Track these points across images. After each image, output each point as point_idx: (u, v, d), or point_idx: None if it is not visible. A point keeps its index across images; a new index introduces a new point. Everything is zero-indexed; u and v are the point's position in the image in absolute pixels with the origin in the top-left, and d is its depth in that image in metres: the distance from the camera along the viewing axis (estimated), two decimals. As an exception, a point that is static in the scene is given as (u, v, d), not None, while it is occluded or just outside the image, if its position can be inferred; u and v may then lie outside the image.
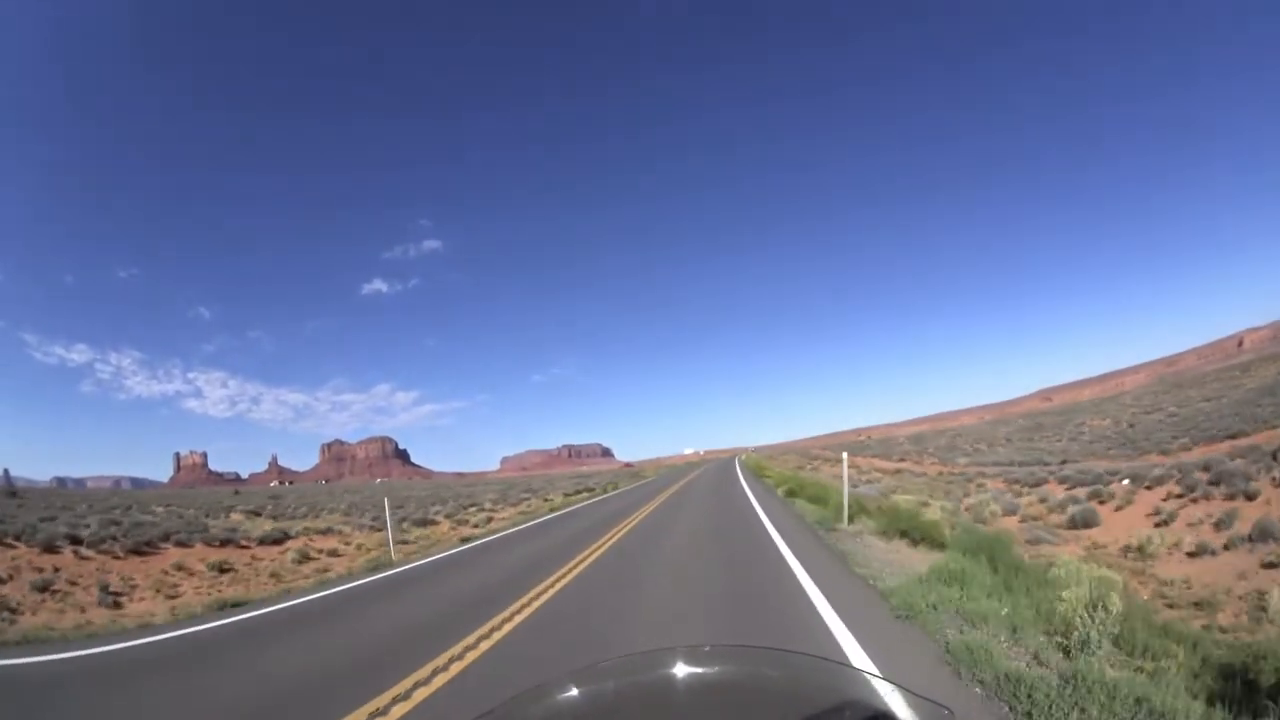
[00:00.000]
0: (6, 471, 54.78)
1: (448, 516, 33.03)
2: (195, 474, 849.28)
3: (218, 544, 22.29)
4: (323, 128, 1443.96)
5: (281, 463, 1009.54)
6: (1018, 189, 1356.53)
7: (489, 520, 29.15)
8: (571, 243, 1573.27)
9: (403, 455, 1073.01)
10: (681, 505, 25.04)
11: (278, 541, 23.82)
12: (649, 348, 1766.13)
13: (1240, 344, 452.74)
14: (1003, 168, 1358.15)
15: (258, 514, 40.04)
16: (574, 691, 1.86)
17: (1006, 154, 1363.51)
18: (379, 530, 26.90)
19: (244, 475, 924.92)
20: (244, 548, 22.70)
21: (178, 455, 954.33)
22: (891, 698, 1.70)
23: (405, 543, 20.86)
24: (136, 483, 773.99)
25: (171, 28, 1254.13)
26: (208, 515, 35.06)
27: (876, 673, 2.02)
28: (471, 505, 41.69)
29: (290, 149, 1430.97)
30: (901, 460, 67.02)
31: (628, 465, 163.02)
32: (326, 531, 27.53)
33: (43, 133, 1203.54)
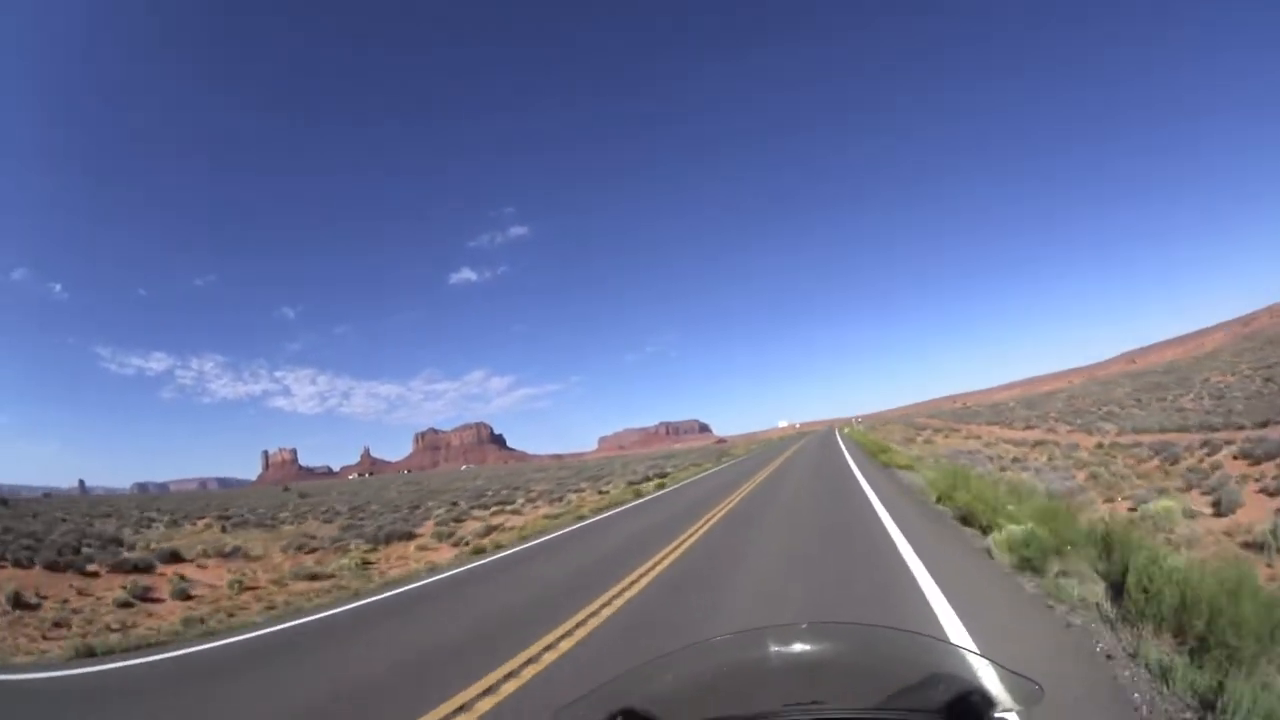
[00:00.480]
0: (82, 482, 54.39)
1: (438, 526, 26.48)
2: (285, 470, 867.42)
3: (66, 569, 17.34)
4: (403, 122, 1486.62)
5: (374, 454, 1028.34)
6: (1096, 147, 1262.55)
7: (469, 542, 19.87)
8: (658, 221, 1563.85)
9: (498, 440, 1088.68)
10: (765, 512, 16.96)
11: (138, 569, 17.94)
12: (742, 321, 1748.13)
13: None
14: (1082, 125, 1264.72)
15: (228, 519, 37.36)
16: (670, 673, 1.96)
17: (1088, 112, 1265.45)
18: (348, 542, 21.78)
19: (335, 469, 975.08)
20: (90, 575, 17.46)
21: (266, 453, 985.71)
22: (984, 672, 1.73)
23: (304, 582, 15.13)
24: (224, 483, 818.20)
25: (247, 33, 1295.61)
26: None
27: (969, 647, 2.05)
28: (503, 505, 35.64)
29: (371, 146, 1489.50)
30: (1029, 428, 57.04)
31: (720, 442, 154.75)
32: (232, 554, 21.70)
33: (112, 146, 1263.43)
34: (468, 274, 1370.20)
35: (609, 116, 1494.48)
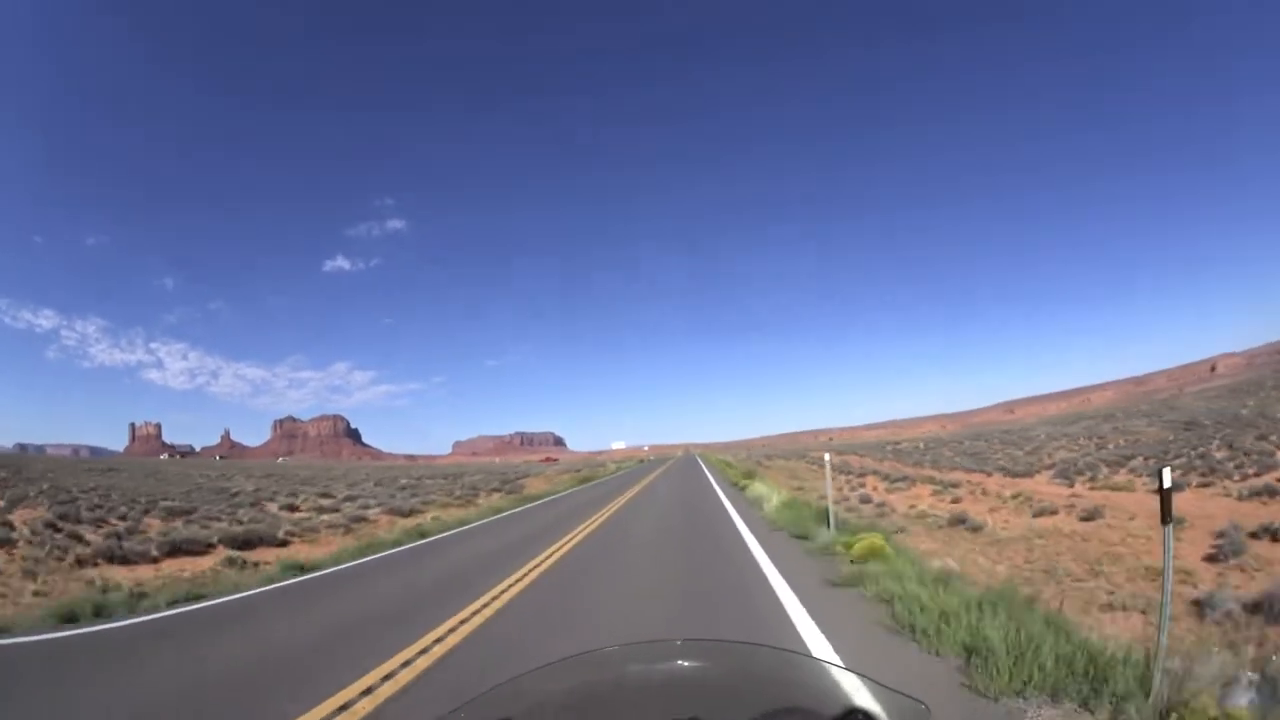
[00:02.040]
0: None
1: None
2: (149, 445, 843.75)
3: None
4: (292, 103, 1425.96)
5: (234, 437, 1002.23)
6: (993, 200, 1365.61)
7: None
8: (531, 232, 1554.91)
9: (354, 435, 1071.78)
10: None
11: None
12: (606, 340, 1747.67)
13: (1214, 369, 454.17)
14: (981, 178, 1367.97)
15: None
16: (544, 687, 1.91)
17: (987, 165, 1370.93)
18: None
19: (197, 448, 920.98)
20: None
21: (133, 425, 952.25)
22: (867, 692, 1.73)
23: None
24: (95, 452, 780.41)
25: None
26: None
27: (853, 669, 1.95)
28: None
29: (259, 122, 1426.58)
30: (948, 475, 41.54)
31: (549, 460, 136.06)
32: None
33: (16, 96, 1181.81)
34: (342, 262, 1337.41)
35: (496, 120, 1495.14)
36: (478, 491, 36.84)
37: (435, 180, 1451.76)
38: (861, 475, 43.37)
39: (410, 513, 26.38)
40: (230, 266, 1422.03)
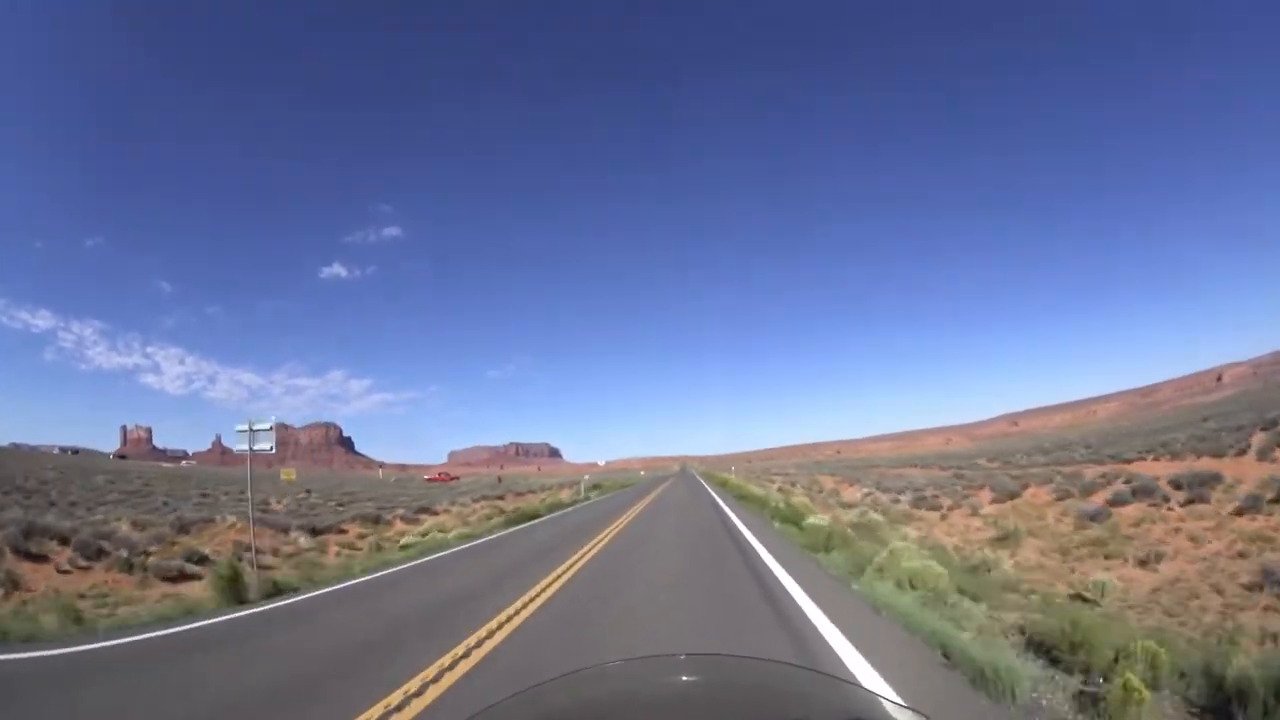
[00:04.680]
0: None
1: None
2: (139, 448, 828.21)
3: None
4: (289, 107, 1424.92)
5: (225, 443, 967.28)
6: (999, 209, 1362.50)
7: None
8: (534, 239, 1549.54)
9: (346, 443, 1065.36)
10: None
11: None
12: (605, 351, 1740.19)
13: (1219, 379, 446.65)
14: (985, 186, 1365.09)
15: None
16: (546, 702, 1.90)
17: (990, 171, 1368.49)
18: None
19: (190, 452, 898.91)
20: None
21: (124, 428, 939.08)
22: (870, 706, 1.73)
23: None
24: (87, 454, 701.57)
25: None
26: None
27: (855, 680, 2.13)
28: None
29: (256, 126, 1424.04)
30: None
31: (442, 478, 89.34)
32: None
33: (16, 97, 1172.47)
34: (338, 269, 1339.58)
35: (496, 126, 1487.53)
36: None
37: (432, 187, 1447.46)
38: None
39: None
40: (227, 272, 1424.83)
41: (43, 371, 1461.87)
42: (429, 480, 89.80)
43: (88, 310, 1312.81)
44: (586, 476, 70.43)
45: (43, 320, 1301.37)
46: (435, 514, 30.82)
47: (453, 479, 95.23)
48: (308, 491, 42.48)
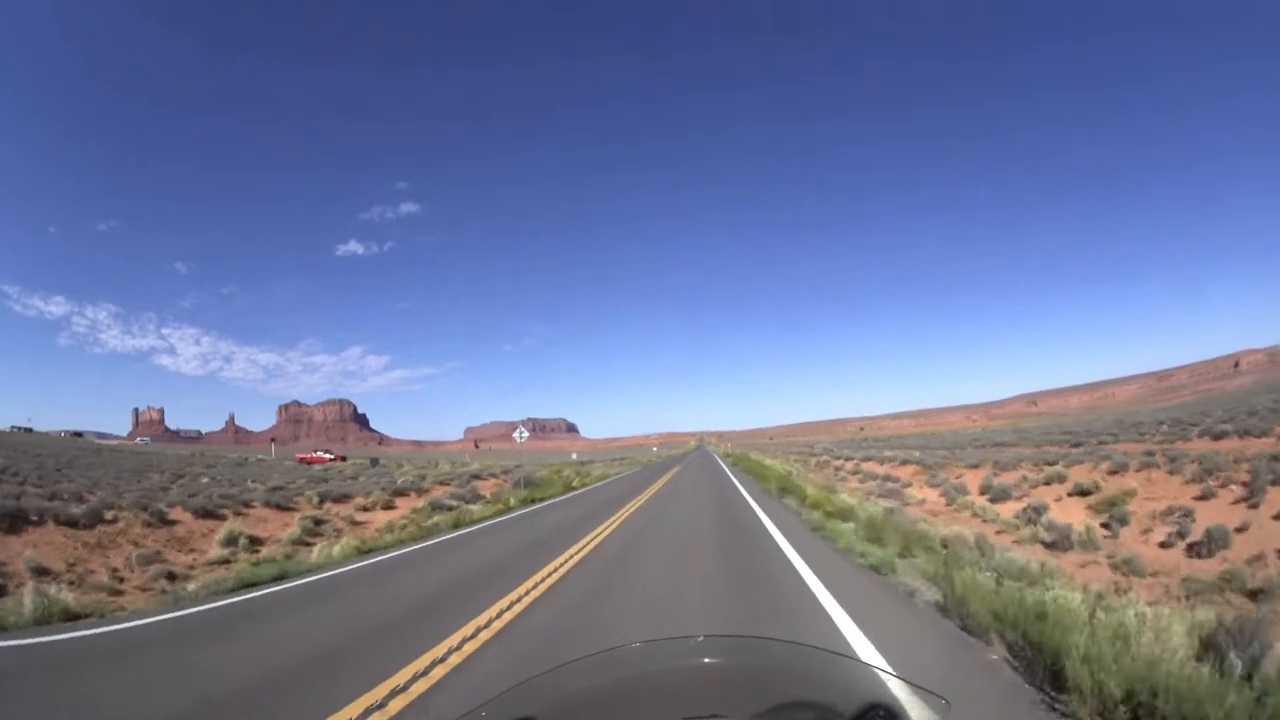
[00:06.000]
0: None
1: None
2: (152, 430, 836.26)
3: None
4: (306, 85, 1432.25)
5: (238, 422, 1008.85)
6: (1021, 190, 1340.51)
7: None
8: (552, 214, 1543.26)
9: (361, 420, 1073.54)
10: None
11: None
12: (624, 326, 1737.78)
13: (1237, 365, 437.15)
14: (1005, 166, 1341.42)
15: None
16: (564, 685, 1.89)
17: (1009, 150, 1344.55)
18: None
19: (203, 432, 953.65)
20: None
21: (136, 410, 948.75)
22: (887, 687, 1.76)
23: None
24: (101, 437, 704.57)
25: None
26: None
27: (872, 662, 1.95)
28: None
29: (271, 104, 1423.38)
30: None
31: (316, 459, 70.41)
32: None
33: (30, 81, 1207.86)
34: (355, 246, 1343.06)
35: (511, 102, 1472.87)
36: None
37: (449, 163, 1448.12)
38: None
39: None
40: (244, 251, 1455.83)
41: (57, 358, 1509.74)
42: (301, 460, 69.14)
43: (102, 294, 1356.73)
44: (519, 468, 40.91)
45: (56, 307, 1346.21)
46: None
47: (337, 459, 72.10)
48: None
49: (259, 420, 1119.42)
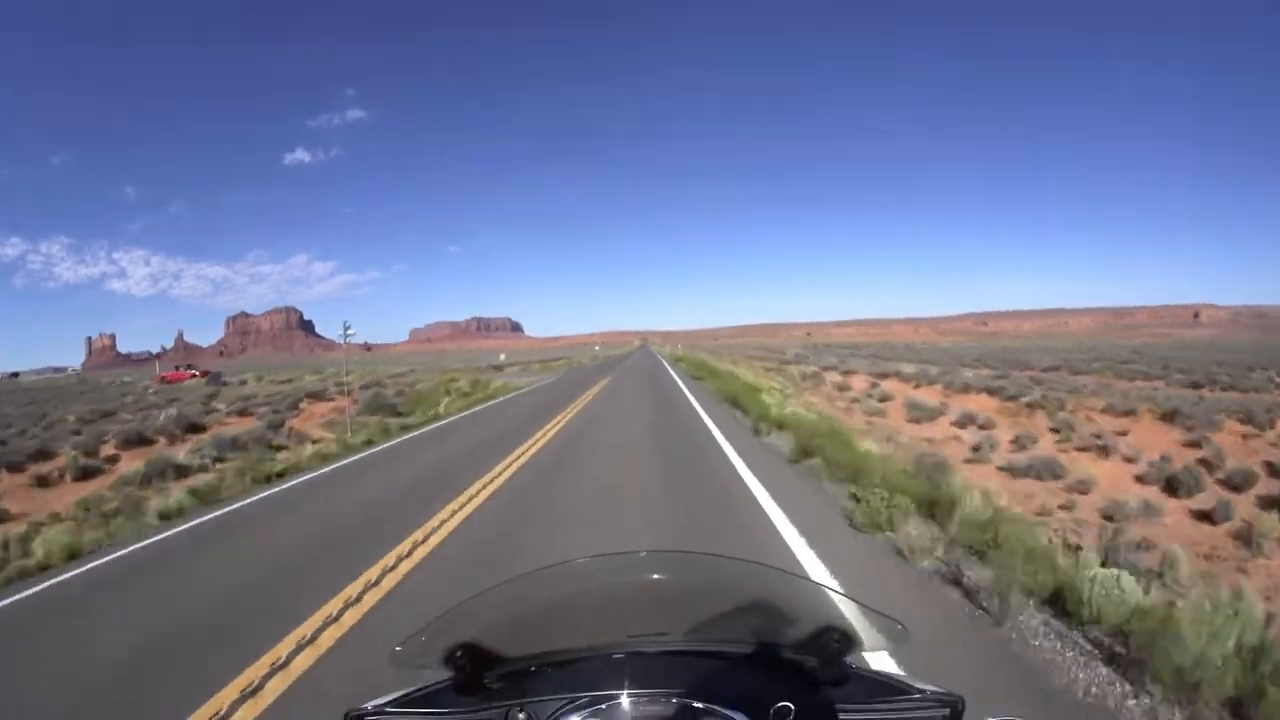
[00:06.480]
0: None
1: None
2: (105, 357, 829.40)
3: None
4: None
5: (188, 339, 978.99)
6: (988, 108, 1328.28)
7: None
8: (495, 115, 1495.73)
9: (307, 326, 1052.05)
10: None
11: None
12: (569, 222, 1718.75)
13: (1196, 315, 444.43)
14: (977, 83, 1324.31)
15: None
16: (506, 604, 1.79)
17: (981, 61, 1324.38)
18: None
19: (155, 353, 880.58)
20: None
21: (89, 339, 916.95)
22: (842, 609, 1.70)
23: None
24: (57, 371, 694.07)
25: None
26: None
27: (827, 584, 1.94)
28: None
29: (214, 13, 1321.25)
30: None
31: (174, 377, 64.98)
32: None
33: None
34: (302, 155, 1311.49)
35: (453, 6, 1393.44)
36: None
37: (396, 69, 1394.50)
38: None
39: None
40: (190, 168, 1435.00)
41: (12, 297, 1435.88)
42: (163, 380, 60.18)
43: (55, 228, 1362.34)
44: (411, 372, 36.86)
45: (12, 249, 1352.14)
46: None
47: (201, 375, 61.76)
48: None
49: (209, 335, 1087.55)
